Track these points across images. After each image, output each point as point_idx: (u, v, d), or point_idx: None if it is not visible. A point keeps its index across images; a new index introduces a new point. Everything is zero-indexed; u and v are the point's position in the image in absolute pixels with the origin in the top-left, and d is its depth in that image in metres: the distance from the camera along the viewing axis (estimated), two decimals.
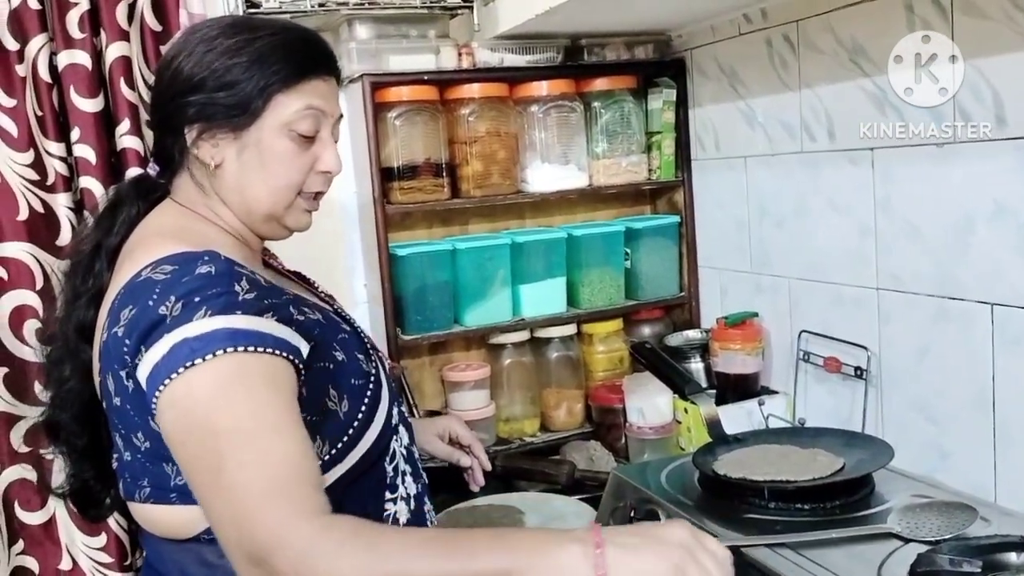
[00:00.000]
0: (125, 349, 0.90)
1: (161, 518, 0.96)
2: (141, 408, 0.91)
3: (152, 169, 1.10)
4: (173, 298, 0.88)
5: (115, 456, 1.01)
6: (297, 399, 0.90)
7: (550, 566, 0.81)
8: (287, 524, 0.79)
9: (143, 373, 0.88)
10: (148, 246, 0.96)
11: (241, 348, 0.86)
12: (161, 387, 0.86)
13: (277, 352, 0.89)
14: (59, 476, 1.14)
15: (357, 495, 1.01)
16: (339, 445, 0.97)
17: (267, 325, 0.89)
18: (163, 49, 1.72)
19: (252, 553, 0.80)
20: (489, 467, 1.44)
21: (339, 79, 1.09)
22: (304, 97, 1.02)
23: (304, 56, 1.03)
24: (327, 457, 0.96)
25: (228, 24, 1.04)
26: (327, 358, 0.98)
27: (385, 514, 1.05)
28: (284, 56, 1.01)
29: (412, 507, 1.09)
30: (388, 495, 1.06)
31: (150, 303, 0.89)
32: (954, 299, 1.38)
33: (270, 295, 0.94)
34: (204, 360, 0.85)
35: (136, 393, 0.91)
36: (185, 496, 0.92)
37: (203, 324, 0.86)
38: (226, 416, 0.84)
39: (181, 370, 0.85)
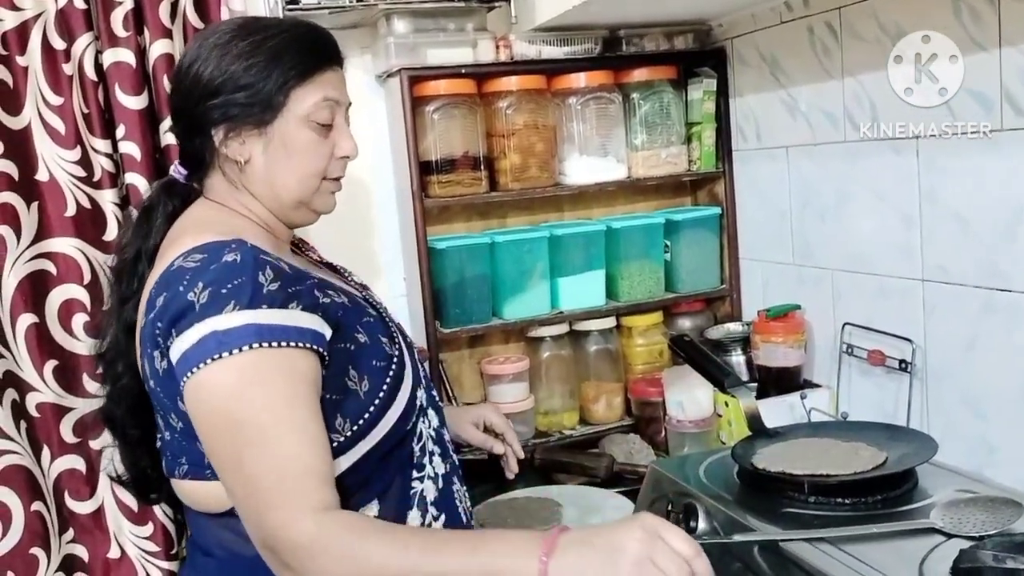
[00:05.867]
0: (158, 331, 0.96)
1: (198, 493, 1.03)
2: (170, 390, 0.98)
3: (178, 173, 1.15)
4: (201, 284, 0.94)
5: (159, 437, 1.09)
6: (318, 387, 0.97)
7: (520, 569, 0.85)
8: (290, 520, 0.88)
9: (174, 356, 0.95)
10: (182, 240, 1.02)
11: (266, 344, 0.92)
12: (188, 374, 0.93)
13: (300, 344, 0.95)
14: (117, 466, 1.21)
15: (385, 471, 1.06)
16: (360, 423, 1.01)
17: (292, 317, 0.95)
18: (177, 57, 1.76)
19: (264, 540, 0.90)
20: (522, 455, 1.46)
21: (343, 68, 1.14)
22: (320, 89, 1.08)
23: (315, 50, 1.09)
24: (349, 433, 1.00)
25: (238, 27, 1.09)
26: (349, 339, 1.02)
27: (411, 491, 1.09)
28: (297, 52, 1.07)
29: (440, 486, 1.12)
30: (415, 473, 1.10)
31: (180, 288, 0.95)
32: (1002, 291, 1.35)
33: (294, 282, 0.99)
34: (231, 354, 0.91)
35: (167, 376, 0.98)
36: None
37: (231, 318, 0.92)
38: (246, 410, 0.92)
39: (209, 361, 0.91)
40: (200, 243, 0.98)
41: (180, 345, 0.93)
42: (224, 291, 0.93)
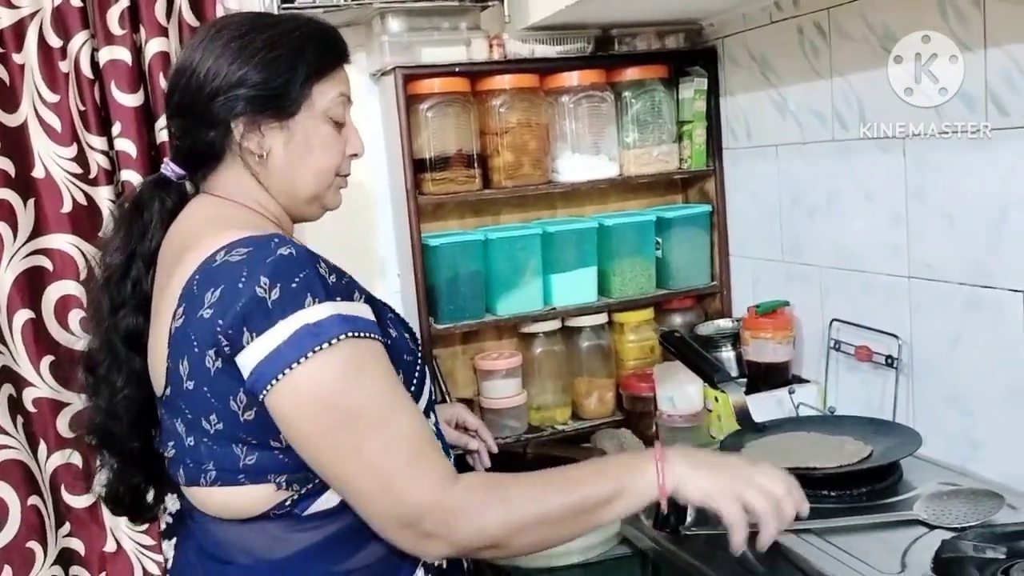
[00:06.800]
0: (219, 329, 0.92)
1: (228, 500, 1.00)
2: (221, 390, 0.95)
3: (170, 170, 1.11)
4: (264, 279, 0.91)
5: (171, 445, 1.03)
6: None
7: (643, 482, 0.98)
8: (436, 489, 0.92)
9: (253, 358, 0.91)
10: (206, 236, 0.99)
11: (353, 333, 0.93)
12: (282, 374, 0.90)
13: (373, 335, 0.96)
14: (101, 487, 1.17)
15: None
16: None
17: (360, 309, 0.96)
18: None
19: (404, 517, 0.92)
20: (496, 450, 1.49)
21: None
22: (337, 85, 1.09)
23: (333, 46, 1.10)
24: None
25: (251, 20, 1.08)
26: (385, 333, 1.02)
27: None
28: (316, 48, 1.07)
29: None
30: None
31: (240, 285, 0.91)
32: (986, 287, 1.38)
33: (343, 275, 0.99)
34: (330, 345, 0.90)
35: (220, 375, 0.94)
36: (254, 475, 0.97)
37: (317, 311, 0.91)
38: (358, 398, 0.92)
39: (310, 355, 0.90)
40: (236, 239, 0.96)
41: (264, 345, 0.90)
42: (295, 285, 0.91)
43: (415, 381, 1.06)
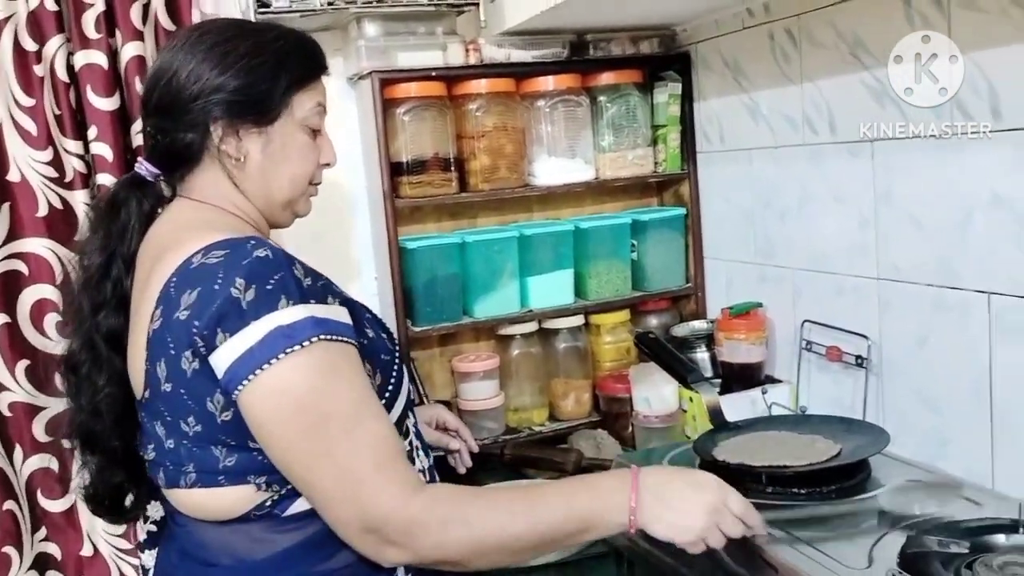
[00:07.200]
0: (194, 330, 0.93)
1: (208, 502, 1.01)
2: (198, 391, 0.96)
3: (146, 170, 1.11)
4: (240, 280, 0.92)
5: (151, 448, 1.04)
6: None
7: (611, 520, 0.99)
8: (400, 496, 0.92)
9: (226, 358, 0.92)
10: (185, 239, 1.00)
11: (325, 336, 0.94)
12: (253, 375, 0.91)
13: (346, 338, 0.97)
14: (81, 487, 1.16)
15: None
16: None
17: (335, 312, 0.97)
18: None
19: (367, 522, 0.92)
20: (476, 448, 1.50)
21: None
22: (315, 95, 1.12)
23: (313, 57, 1.13)
24: None
25: (234, 26, 1.11)
26: (362, 334, 1.04)
27: None
28: (298, 58, 1.10)
29: (427, 479, 1.14)
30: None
31: (216, 286, 0.93)
32: (952, 288, 1.40)
33: (319, 277, 1.00)
34: (301, 347, 0.92)
35: (196, 376, 0.95)
36: (234, 477, 0.98)
37: (290, 313, 0.92)
38: (330, 402, 0.93)
39: (281, 356, 0.91)
40: (214, 241, 0.97)
41: (237, 345, 0.92)
42: (269, 286, 0.93)
43: (392, 381, 1.07)
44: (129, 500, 1.17)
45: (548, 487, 1.06)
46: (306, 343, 0.92)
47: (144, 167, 1.11)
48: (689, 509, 1.01)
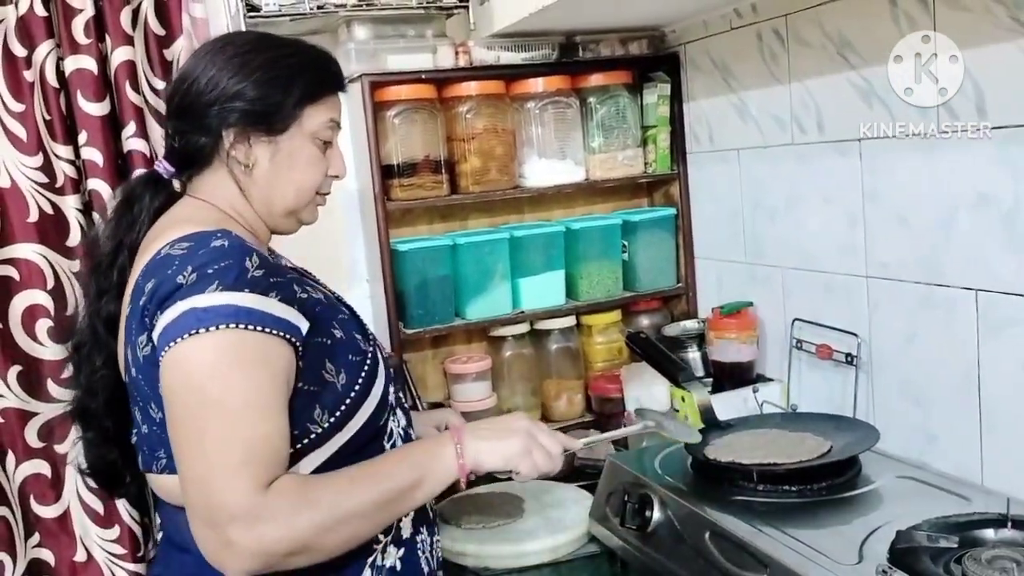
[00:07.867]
0: (146, 314, 0.99)
1: (177, 488, 1.02)
2: (153, 378, 1.00)
3: (163, 168, 1.17)
4: (190, 268, 0.97)
5: (134, 432, 1.11)
6: (290, 377, 1.01)
7: (441, 466, 1.07)
8: (248, 493, 0.92)
9: (155, 335, 0.98)
10: (168, 233, 1.04)
11: (243, 325, 0.96)
12: (167, 348, 0.96)
13: (276, 332, 0.98)
14: (79, 458, 1.22)
15: None
16: (337, 414, 1.06)
17: (270, 305, 0.99)
18: (169, 53, 1.77)
19: (209, 517, 0.93)
20: None
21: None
22: (328, 110, 1.16)
23: (328, 73, 1.18)
24: (327, 425, 1.05)
25: (256, 40, 1.16)
26: (326, 334, 1.07)
27: None
28: (314, 73, 1.15)
29: None
30: None
31: (169, 272, 0.98)
32: (940, 286, 1.42)
33: (276, 273, 1.03)
34: (208, 331, 0.94)
35: (147, 363, 1.01)
36: None
37: (212, 297, 0.95)
38: (218, 388, 0.95)
39: (186, 335, 0.95)
40: (185, 233, 1.02)
41: (162, 322, 0.96)
42: (210, 272, 0.96)
43: (361, 381, 1.09)
44: (123, 476, 1.21)
45: (383, 455, 1.11)
46: (213, 328, 0.94)
47: (163, 165, 1.17)
48: (503, 436, 1.11)
